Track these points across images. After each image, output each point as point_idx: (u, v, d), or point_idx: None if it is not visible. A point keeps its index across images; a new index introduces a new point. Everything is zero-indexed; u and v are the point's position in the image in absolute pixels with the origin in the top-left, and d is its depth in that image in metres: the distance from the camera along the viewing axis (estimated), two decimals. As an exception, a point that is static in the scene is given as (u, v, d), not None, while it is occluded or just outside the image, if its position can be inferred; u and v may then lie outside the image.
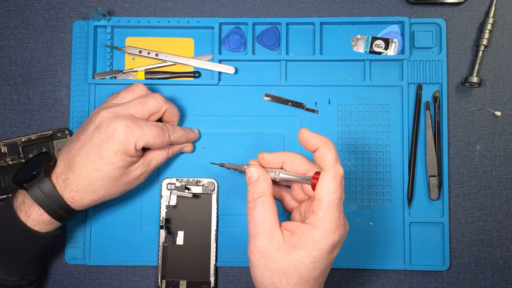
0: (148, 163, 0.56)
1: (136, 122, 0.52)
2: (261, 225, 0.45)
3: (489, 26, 0.62)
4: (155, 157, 0.56)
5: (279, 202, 0.51)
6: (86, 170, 0.51)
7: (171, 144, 0.58)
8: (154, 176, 0.62)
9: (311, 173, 0.47)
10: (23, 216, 0.51)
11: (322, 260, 0.44)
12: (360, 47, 0.63)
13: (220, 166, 0.53)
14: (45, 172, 0.52)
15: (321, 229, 0.43)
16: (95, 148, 0.51)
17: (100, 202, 0.54)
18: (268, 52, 0.63)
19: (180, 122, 0.62)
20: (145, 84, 0.57)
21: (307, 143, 0.46)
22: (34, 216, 0.51)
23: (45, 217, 0.52)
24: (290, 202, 0.51)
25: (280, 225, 0.45)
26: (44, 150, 0.61)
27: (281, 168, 0.49)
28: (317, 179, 0.45)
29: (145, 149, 0.56)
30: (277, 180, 0.48)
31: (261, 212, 0.45)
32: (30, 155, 0.61)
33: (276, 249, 0.44)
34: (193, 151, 0.62)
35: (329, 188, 0.43)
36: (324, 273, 0.46)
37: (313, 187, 0.45)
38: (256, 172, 0.47)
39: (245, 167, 0.49)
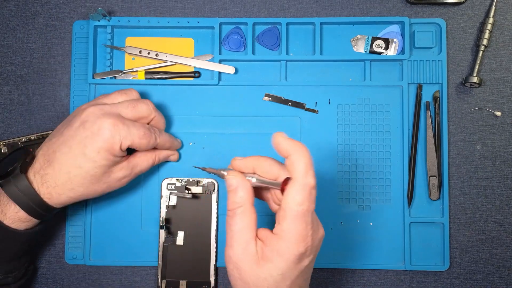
0: (133, 167, 0.54)
1: (123, 122, 0.51)
2: (237, 236, 0.43)
3: (489, 26, 0.62)
4: (140, 163, 0.55)
5: (267, 202, 0.49)
6: (67, 166, 0.50)
7: (156, 148, 0.57)
8: (154, 176, 0.62)
9: (282, 178, 0.44)
10: None
11: (289, 271, 0.42)
12: (360, 47, 0.63)
13: (202, 170, 0.49)
14: (21, 168, 0.50)
15: (285, 240, 0.41)
16: (78, 144, 0.50)
17: (77, 200, 0.53)
18: (268, 52, 0.63)
19: (181, 122, 0.62)
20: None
21: (279, 149, 0.43)
22: (10, 213, 0.50)
23: (22, 214, 0.50)
24: (273, 203, 0.49)
25: (257, 234, 0.44)
26: (21, 146, 0.61)
27: (254, 173, 0.46)
28: (287, 185, 0.42)
29: (131, 152, 0.55)
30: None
31: (239, 223, 0.43)
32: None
33: (248, 261, 0.43)
34: (178, 160, 0.61)
35: (296, 200, 0.41)
36: (296, 282, 0.44)
37: (283, 192, 0.43)
38: (235, 180, 0.44)
39: (225, 173, 0.45)
